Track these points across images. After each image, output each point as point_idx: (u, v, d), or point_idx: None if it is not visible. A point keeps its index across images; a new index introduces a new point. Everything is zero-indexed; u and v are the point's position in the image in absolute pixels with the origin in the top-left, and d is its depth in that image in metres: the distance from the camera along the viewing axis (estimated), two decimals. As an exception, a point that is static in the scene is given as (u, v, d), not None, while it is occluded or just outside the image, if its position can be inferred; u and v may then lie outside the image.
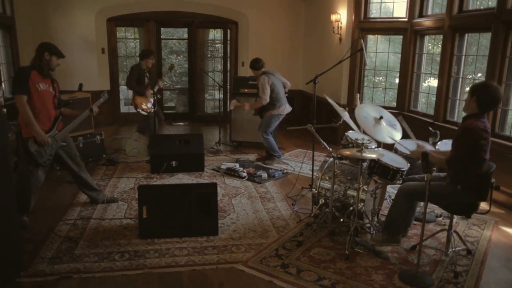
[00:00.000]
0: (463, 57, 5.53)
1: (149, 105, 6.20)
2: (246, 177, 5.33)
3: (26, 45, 7.54)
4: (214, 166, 5.81)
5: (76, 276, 3.07)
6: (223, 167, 5.64)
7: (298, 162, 6.02)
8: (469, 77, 5.95)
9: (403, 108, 6.51)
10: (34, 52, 3.84)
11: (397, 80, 6.67)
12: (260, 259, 3.34)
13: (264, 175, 5.38)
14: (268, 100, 5.80)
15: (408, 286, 3.01)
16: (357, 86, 6.92)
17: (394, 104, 6.78)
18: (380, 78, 7.44)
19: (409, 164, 3.59)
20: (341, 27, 6.93)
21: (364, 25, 6.78)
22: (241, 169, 5.51)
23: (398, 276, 3.14)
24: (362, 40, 4.56)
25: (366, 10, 6.78)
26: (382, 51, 6.97)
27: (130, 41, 10.18)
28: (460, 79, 5.58)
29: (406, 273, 3.15)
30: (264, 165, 5.88)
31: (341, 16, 6.90)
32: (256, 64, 5.93)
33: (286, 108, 6.00)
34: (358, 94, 4.92)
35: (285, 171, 5.65)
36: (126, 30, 10.03)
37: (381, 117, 3.86)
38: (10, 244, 2.96)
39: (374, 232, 3.61)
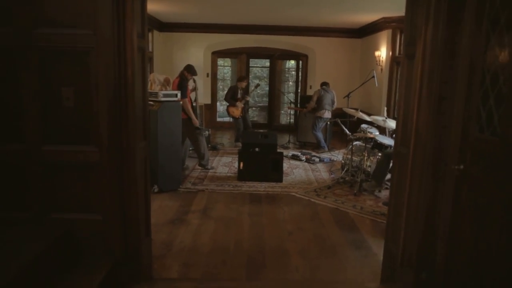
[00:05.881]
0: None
1: (238, 112, 9.12)
2: (304, 160, 7.92)
3: (158, 71, 10.92)
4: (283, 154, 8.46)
5: (206, 190, 5.90)
6: (289, 154, 8.29)
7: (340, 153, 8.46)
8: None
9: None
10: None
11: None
12: (304, 191, 5.93)
13: (317, 159, 7.94)
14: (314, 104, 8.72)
15: (384, 206, 5.39)
16: (393, 103, 9.26)
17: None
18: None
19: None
20: (382, 60, 9.36)
21: (398, 59, 9.14)
22: (302, 155, 8.11)
23: (382, 202, 5.53)
24: (374, 71, 7.00)
25: (400, 48, 9.16)
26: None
27: (225, 68, 13.38)
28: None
29: (386, 201, 5.53)
30: (316, 154, 8.43)
31: (382, 53, 9.34)
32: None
33: (325, 114, 8.64)
34: (385, 108, 7.25)
35: (332, 158, 8.16)
36: (222, 59, 13.24)
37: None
38: (176, 172, 5.85)
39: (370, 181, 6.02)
